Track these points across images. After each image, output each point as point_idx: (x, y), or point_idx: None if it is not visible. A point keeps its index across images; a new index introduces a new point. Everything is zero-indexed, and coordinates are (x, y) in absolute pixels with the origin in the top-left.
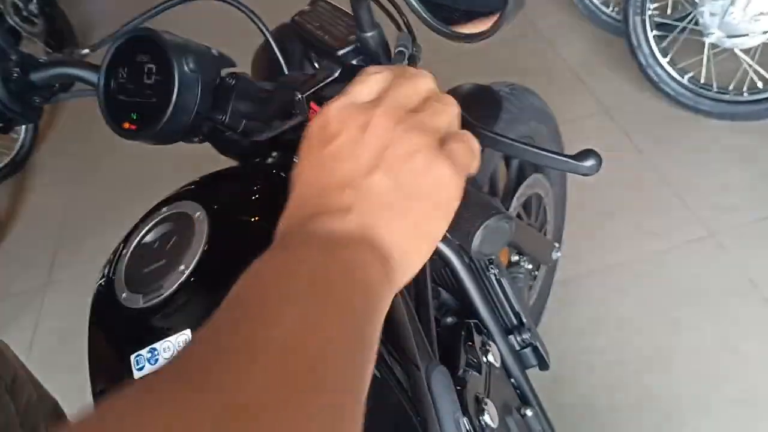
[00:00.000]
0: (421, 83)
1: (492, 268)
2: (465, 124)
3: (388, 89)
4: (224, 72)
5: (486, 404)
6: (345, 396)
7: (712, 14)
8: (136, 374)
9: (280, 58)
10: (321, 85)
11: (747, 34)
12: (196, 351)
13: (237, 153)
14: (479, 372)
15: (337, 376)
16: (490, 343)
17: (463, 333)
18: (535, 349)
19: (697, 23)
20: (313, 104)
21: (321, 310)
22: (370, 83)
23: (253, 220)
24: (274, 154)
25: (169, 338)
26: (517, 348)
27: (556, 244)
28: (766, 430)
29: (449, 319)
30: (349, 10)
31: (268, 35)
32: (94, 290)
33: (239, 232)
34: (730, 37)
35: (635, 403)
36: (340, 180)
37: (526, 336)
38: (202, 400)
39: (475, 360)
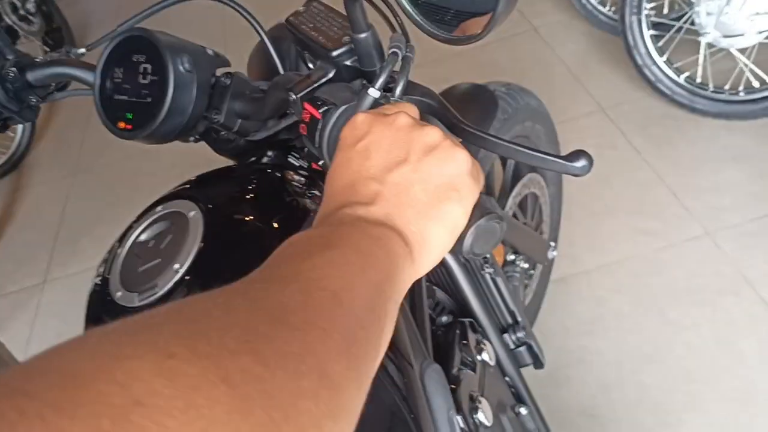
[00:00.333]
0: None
1: (487, 267)
2: (458, 125)
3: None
4: (219, 72)
5: (480, 402)
6: (357, 327)
7: (708, 14)
8: None
9: (276, 58)
10: (315, 86)
11: (743, 34)
12: (253, 277)
13: (232, 152)
14: (474, 370)
15: (355, 313)
16: (485, 341)
17: (457, 331)
18: (530, 348)
19: (693, 23)
20: (307, 105)
21: (347, 254)
22: (393, 109)
23: (247, 219)
24: (270, 153)
25: None
26: (512, 346)
27: (552, 243)
28: (762, 428)
29: (444, 318)
30: (343, 11)
31: (263, 35)
32: (89, 289)
33: (234, 231)
34: (726, 36)
35: (631, 401)
36: (367, 174)
37: (520, 334)
38: (259, 306)
39: (469, 358)
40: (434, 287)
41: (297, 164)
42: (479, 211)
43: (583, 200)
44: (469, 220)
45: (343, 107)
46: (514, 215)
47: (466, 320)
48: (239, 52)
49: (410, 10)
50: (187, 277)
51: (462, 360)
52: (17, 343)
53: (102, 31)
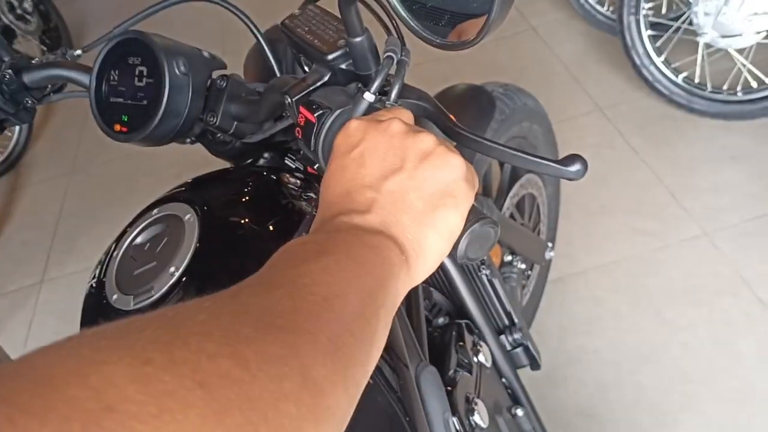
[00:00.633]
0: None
1: (483, 268)
2: (453, 129)
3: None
4: (215, 74)
5: (476, 404)
6: (346, 332)
7: (706, 14)
8: None
9: (272, 61)
10: (310, 89)
11: (741, 34)
12: (248, 282)
13: (228, 154)
14: (470, 372)
15: (344, 319)
16: (482, 343)
17: (454, 333)
18: (527, 349)
19: (691, 23)
20: (302, 108)
21: (341, 261)
22: (388, 114)
23: (243, 222)
24: (266, 155)
25: None
26: (509, 348)
27: (550, 244)
28: (760, 428)
29: (440, 320)
30: (338, 15)
31: (260, 38)
32: (85, 292)
33: (229, 234)
34: (724, 36)
35: (629, 401)
36: (362, 182)
37: (517, 336)
38: (246, 310)
39: (465, 360)
40: (431, 289)
41: (293, 166)
42: (473, 215)
43: (580, 200)
44: (464, 225)
45: (338, 111)
46: (512, 216)
47: (463, 322)
48: (237, 53)
49: (404, 15)
50: (182, 280)
51: (458, 362)
52: (15, 342)
53: (100, 30)
